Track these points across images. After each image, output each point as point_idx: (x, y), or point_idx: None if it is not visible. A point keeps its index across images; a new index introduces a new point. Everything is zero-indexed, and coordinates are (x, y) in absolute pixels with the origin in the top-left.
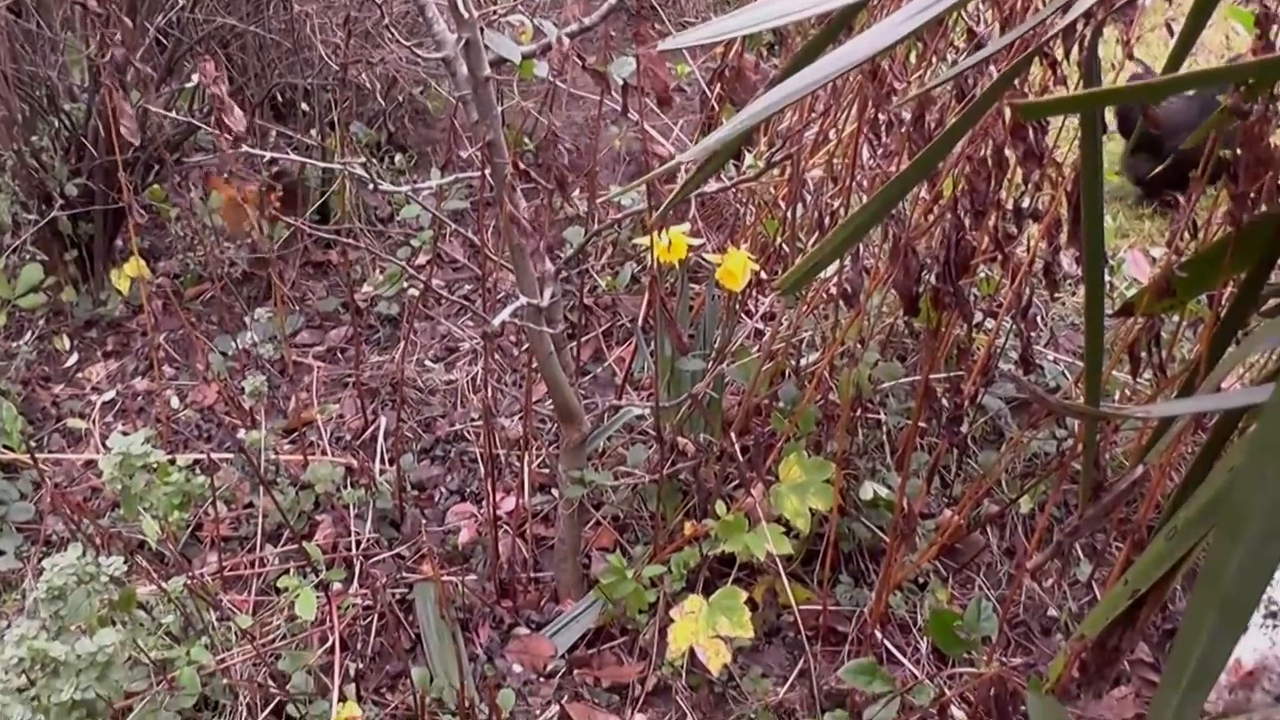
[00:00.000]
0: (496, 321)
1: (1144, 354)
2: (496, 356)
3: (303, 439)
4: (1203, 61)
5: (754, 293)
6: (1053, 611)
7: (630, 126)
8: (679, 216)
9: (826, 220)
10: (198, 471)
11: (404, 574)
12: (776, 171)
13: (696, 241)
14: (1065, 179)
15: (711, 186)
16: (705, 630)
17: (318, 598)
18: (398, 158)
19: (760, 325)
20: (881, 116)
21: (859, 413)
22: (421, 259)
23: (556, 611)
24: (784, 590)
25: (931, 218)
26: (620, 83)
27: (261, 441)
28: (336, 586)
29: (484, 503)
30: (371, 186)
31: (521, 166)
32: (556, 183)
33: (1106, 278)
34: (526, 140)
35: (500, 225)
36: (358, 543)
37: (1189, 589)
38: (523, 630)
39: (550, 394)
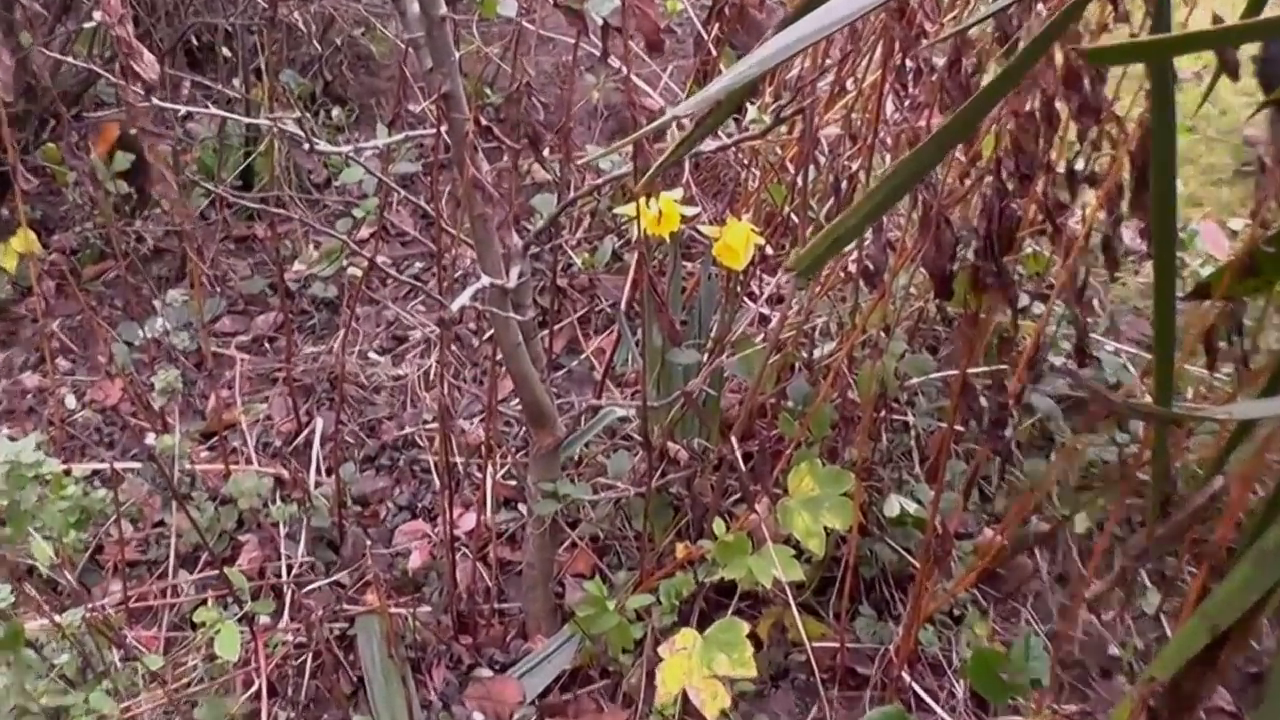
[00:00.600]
0: (454, 306)
1: (1223, 344)
2: (454, 347)
3: (224, 445)
4: None
5: (758, 272)
6: (1114, 650)
7: (611, 75)
8: (670, 182)
9: (844, 185)
10: (98, 484)
11: (344, 605)
12: (785, 128)
13: (690, 211)
14: (1128, 137)
15: (708, 146)
16: (700, 670)
17: (241, 633)
18: (335, 112)
19: (765, 310)
20: (909, 63)
21: (883, 414)
22: (365, 232)
23: (525, 649)
24: (794, 624)
25: (969, 183)
26: (599, 22)
27: (175, 448)
28: (264, 620)
29: (439, 520)
30: (306, 146)
31: (483, 123)
32: (526, 142)
33: (1177, 254)
34: (489, 91)
35: (459, 192)
36: (289, 568)
37: None
38: (485, 672)
39: (517, 392)
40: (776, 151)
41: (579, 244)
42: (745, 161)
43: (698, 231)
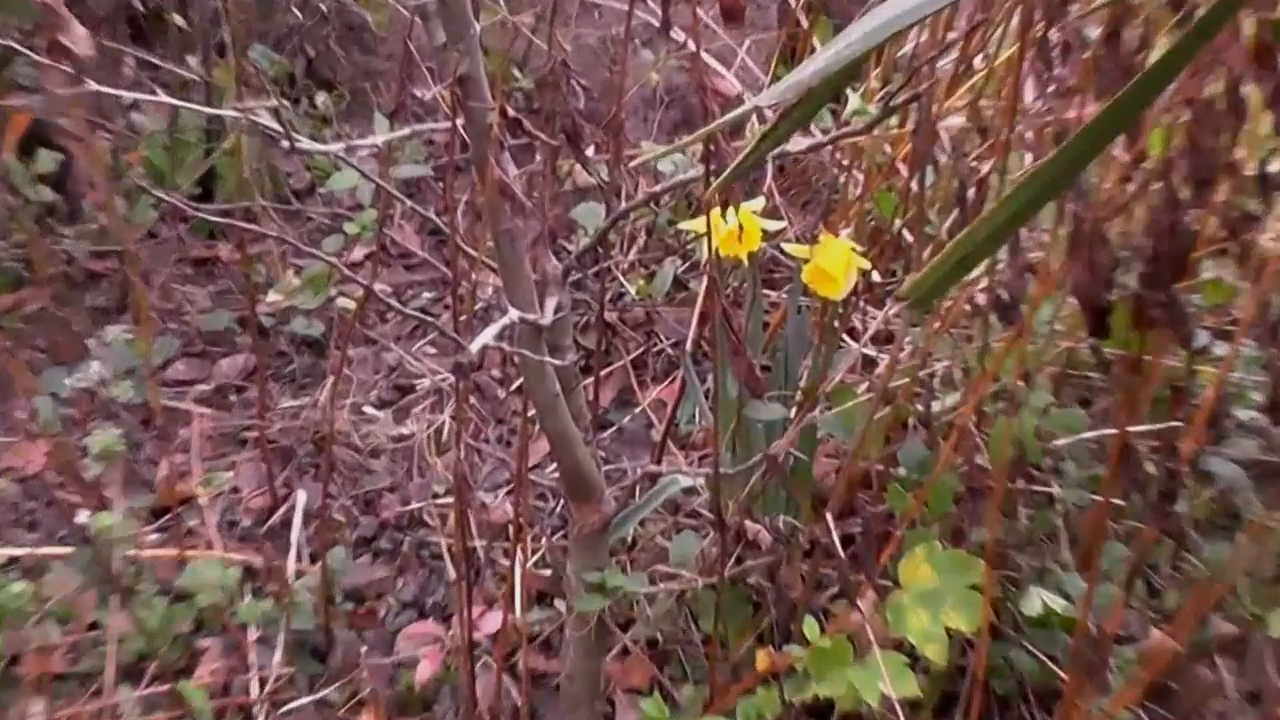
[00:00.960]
0: (473, 348)
1: None
2: (472, 400)
3: (178, 524)
4: None
5: (861, 303)
6: None
7: (674, 51)
8: (748, 189)
9: (971, 192)
10: (16, 574)
11: None
12: (896, 121)
13: (775, 226)
14: None
15: (798, 144)
16: None
17: None
18: (321, 99)
19: (871, 351)
20: (1055, 35)
21: (1021, 484)
22: (359, 252)
23: None
24: None
25: (1131, 189)
26: None
27: (115, 529)
28: None
29: (454, 621)
30: (283, 144)
31: (511, 113)
32: (564, 138)
33: None
34: (518, 74)
35: (479, 202)
36: (262, 682)
37: None
38: None
39: (555, 456)
40: (885, 150)
41: (632, 268)
42: (845, 163)
43: (783, 252)
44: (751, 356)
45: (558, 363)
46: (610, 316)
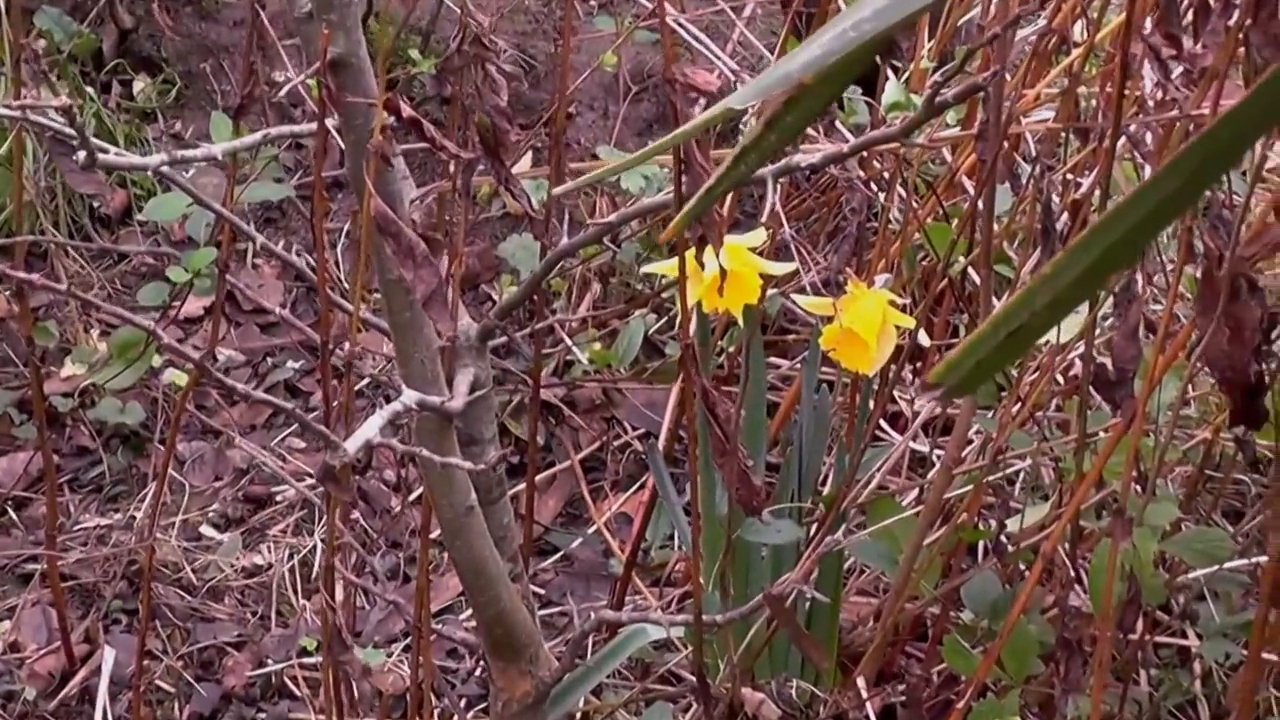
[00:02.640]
0: (352, 445)
1: None
2: (354, 516)
3: None
4: None
5: (907, 374)
6: None
7: (641, 18)
8: (742, 215)
9: (1063, 218)
10: None
11: None
12: (953, 117)
13: (782, 269)
14: None
15: (809, 154)
16: None
17: None
18: (141, 87)
19: (922, 446)
20: None
21: (1140, 636)
22: (194, 306)
23: None
24: None
25: None
26: None
27: None
28: None
29: None
30: (81, 154)
31: (406, 111)
32: (483, 145)
33: None
34: (416, 55)
35: (361, 235)
36: None
37: None
38: None
39: (469, 597)
40: (941, 158)
41: (585, 326)
42: (884, 177)
43: (795, 305)
44: (747, 456)
45: (471, 466)
46: (552, 396)
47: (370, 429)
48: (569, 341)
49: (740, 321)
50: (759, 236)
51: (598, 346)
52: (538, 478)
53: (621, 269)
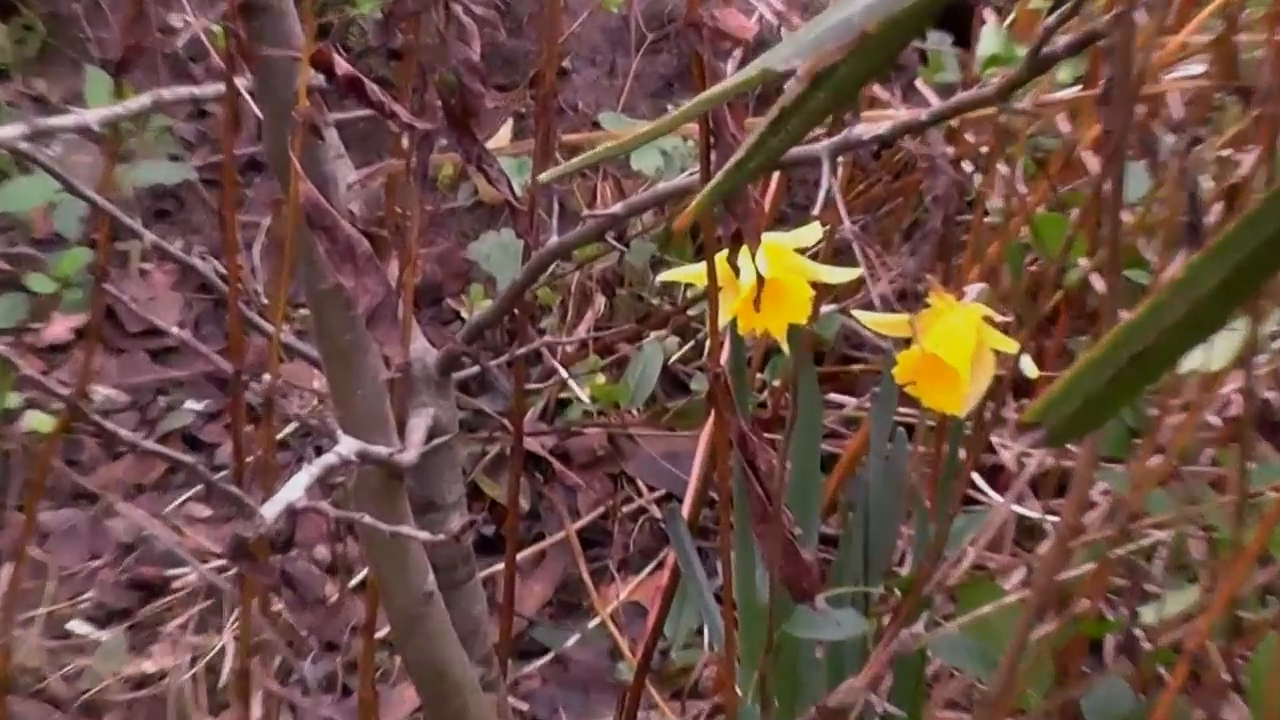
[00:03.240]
0: (269, 511)
1: None
2: (277, 606)
3: None
4: None
5: (1004, 411)
6: None
7: None
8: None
9: (1213, 209)
10: None
11: None
12: (1068, 74)
13: (838, 276)
14: None
15: (876, 123)
16: None
17: None
18: None
19: (1031, 511)
20: None
21: None
22: (60, 327)
23: None
24: None
25: None
26: None
27: None
28: None
29: None
30: None
31: (343, 68)
32: (445, 113)
33: None
34: None
35: (285, 232)
36: None
37: None
38: None
39: (428, 712)
40: (1055, 129)
41: (583, 353)
42: (978, 153)
43: (860, 324)
44: (797, 522)
45: (427, 536)
46: (540, 446)
47: (295, 489)
48: (563, 372)
49: (786, 347)
50: (812, 234)
51: (601, 380)
52: (520, 554)
53: (632, 277)
